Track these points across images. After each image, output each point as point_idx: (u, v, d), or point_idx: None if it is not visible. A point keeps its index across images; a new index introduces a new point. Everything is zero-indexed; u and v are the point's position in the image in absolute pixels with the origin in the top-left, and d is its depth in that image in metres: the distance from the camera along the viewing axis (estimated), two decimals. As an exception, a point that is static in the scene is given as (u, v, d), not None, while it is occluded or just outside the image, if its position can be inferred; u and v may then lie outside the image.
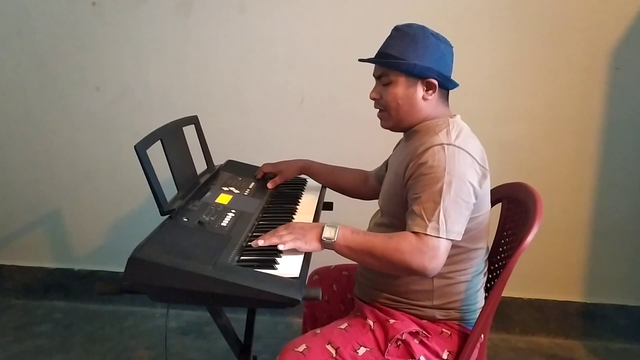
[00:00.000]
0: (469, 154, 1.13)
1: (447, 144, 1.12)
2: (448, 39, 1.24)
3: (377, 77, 1.26)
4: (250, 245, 1.16)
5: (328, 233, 1.11)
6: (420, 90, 1.21)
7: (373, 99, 1.28)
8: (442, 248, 1.08)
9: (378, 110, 1.29)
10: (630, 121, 2.05)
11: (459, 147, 1.12)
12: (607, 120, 2.05)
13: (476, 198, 1.14)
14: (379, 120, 1.30)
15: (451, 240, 1.09)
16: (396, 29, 1.24)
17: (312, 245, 1.12)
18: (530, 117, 2.08)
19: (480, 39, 2.00)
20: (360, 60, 1.29)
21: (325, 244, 1.12)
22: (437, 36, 1.21)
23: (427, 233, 1.07)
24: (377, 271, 1.24)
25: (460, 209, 1.10)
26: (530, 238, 1.17)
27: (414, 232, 1.08)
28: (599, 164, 2.09)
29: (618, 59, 1.99)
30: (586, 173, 2.11)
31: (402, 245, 1.07)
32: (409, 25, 1.22)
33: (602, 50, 1.99)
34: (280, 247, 1.10)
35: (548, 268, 2.19)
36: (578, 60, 2.01)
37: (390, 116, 1.25)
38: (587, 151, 2.09)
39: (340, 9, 2.05)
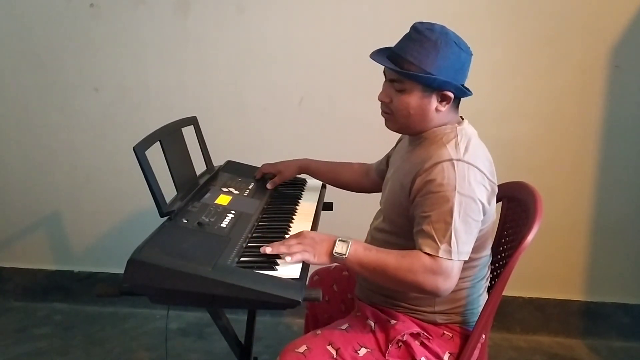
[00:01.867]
0: (479, 169, 1.11)
1: (457, 160, 1.09)
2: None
3: (390, 80, 1.19)
4: (250, 247, 1.16)
5: (340, 248, 1.08)
6: (434, 102, 1.16)
7: (382, 101, 1.21)
8: (455, 269, 1.07)
9: (383, 111, 1.23)
10: (630, 119, 2.05)
11: (468, 164, 1.09)
12: (607, 118, 2.05)
13: (484, 215, 1.13)
14: (379, 120, 1.26)
15: (462, 261, 1.08)
16: (417, 31, 1.14)
17: (321, 259, 1.09)
18: (530, 115, 2.07)
19: (480, 37, 1.97)
20: (373, 58, 1.19)
21: (336, 259, 1.09)
22: (459, 44, 1.14)
23: (440, 255, 1.05)
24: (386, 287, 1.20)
25: (470, 228, 1.09)
26: (530, 237, 1.17)
27: (425, 254, 1.06)
28: (599, 162, 2.09)
29: (617, 57, 1.99)
30: (586, 171, 2.11)
31: (415, 266, 1.05)
32: (431, 29, 1.13)
33: (601, 48, 1.99)
34: (287, 260, 1.07)
35: (549, 267, 2.19)
36: (577, 59, 2.01)
37: (397, 121, 1.21)
38: (587, 149, 2.09)
39: (339, 8, 2.05)
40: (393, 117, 1.21)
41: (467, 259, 1.09)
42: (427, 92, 1.15)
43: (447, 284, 1.06)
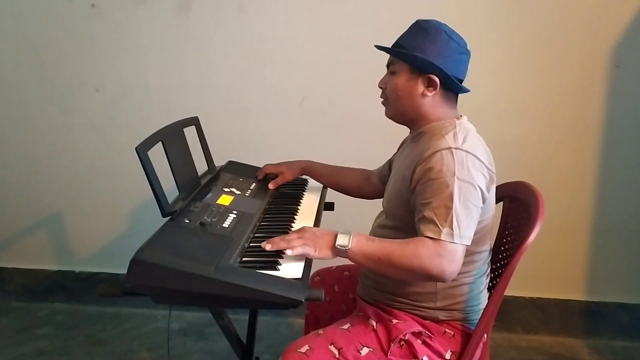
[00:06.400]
0: (477, 157, 1.12)
1: (455, 148, 1.11)
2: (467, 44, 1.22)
3: (387, 65, 1.26)
4: (252, 246, 1.16)
5: (342, 240, 1.09)
6: (420, 86, 1.20)
7: (380, 87, 1.28)
8: (459, 253, 1.07)
9: (381, 99, 1.29)
10: (631, 119, 2.05)
11: (466, 152, 1.11)
12: (608, 118, 2.05)
13: (484, 202, 1.14)
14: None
15: (465, 245, 1.08)
16: (416, 22, 1.23)
17: (322, 252, 1.09)
18: (531, 115, 2.07)
19: (481, 38, 1.99)
20: (375, 46, 1.28)
21: (339, 252, 1.09)
22: (451, 35, 1.19)
23: (442, 239, 1.05)
24: (390, 277, 1.20)
25: (471, 213, 1.09)
26: (532, 237, 1.17)
27: (428, 238, 1.07)
28: (601, 162, 2.09)
29: (618, 57, 1.99)
30: (587, 171, 2.11)
31: (420, 251, 1.05)
32: (427, 21, 1.21)
33: (602, 48, 1.99)
34: (288, 252, 1.07)
35: (550, 267, 2.19)
36: (578, 59, 2.01)
37: (390, 106, 1.27)
38: (588, 149, 2.09)
39: (340, 8, 2.05)
40: (387, 102, 1.27)
41: (469, 243, 1.09)
42: (414, 74, 1.20)
43: (452, 266, 1.06)
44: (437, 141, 1.14)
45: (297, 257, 1.10)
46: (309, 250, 1.08)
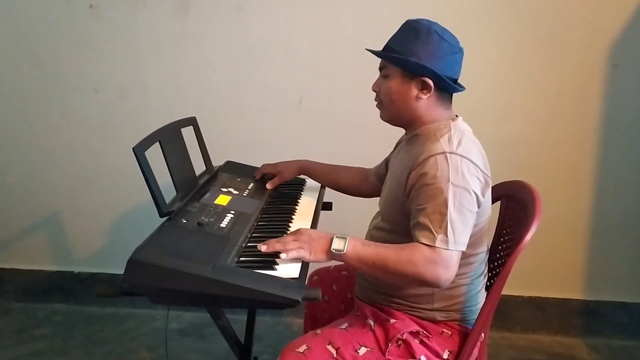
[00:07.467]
0: (472, 162, 1.12)
1: (450, 153, 1.10)
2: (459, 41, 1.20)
3: (380, 69, 1.25)
4: (249, 246, 1.16)
5: (337, 244, 1.09)
6: (414, 89, 1.18)
7: (373, 91, 1.27)
8: (454, 259, 1.07)
9: (375, 102, 1.28)
10: (629, 118, 2.05)
11: (461, 156, 1.11)
12: (605, 117, 2.05)
13: (479, 207, 1.14)
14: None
15: (460, 251, 1.08)
16: (406, 22, 1.21)
17: (317, 256, 1.09)
18: (529, 115, 2.08)
19: (479, 37, 2.00)
20: (366, 49, 1.28)
21: (334, 256, 1.09)
22: (442, 35, 1.16)
23: (437, 245, 1.05)
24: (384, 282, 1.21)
25: (466, 219, 1.09)
26: (529, 236, 1.17)
27: (423, 244, 1.07)
28: (598, 161, 2.10)
29: (616, 57, 1.99)
30: (585, 170, 2.11)
31: (415, 258, 1.05)
32: (417, 21, 1.19)
33: (599, 47, 1.99)
34: (283, 257, 1.07)
35: (548, 266, 2.19)
36: (576, 58, 2.01)
37: (385, 109, 1.26)
38: (586, 148, 2.09)
39: (339, 9, 2.05)
40: (382, 105, 1.26)
41: (464, 249, 1.09)
42: (407, 78, 1.18)
43: (447, 273, 1.06)
44: (432, 145, 1.14)
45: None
46: (304, 254, 1.08)
